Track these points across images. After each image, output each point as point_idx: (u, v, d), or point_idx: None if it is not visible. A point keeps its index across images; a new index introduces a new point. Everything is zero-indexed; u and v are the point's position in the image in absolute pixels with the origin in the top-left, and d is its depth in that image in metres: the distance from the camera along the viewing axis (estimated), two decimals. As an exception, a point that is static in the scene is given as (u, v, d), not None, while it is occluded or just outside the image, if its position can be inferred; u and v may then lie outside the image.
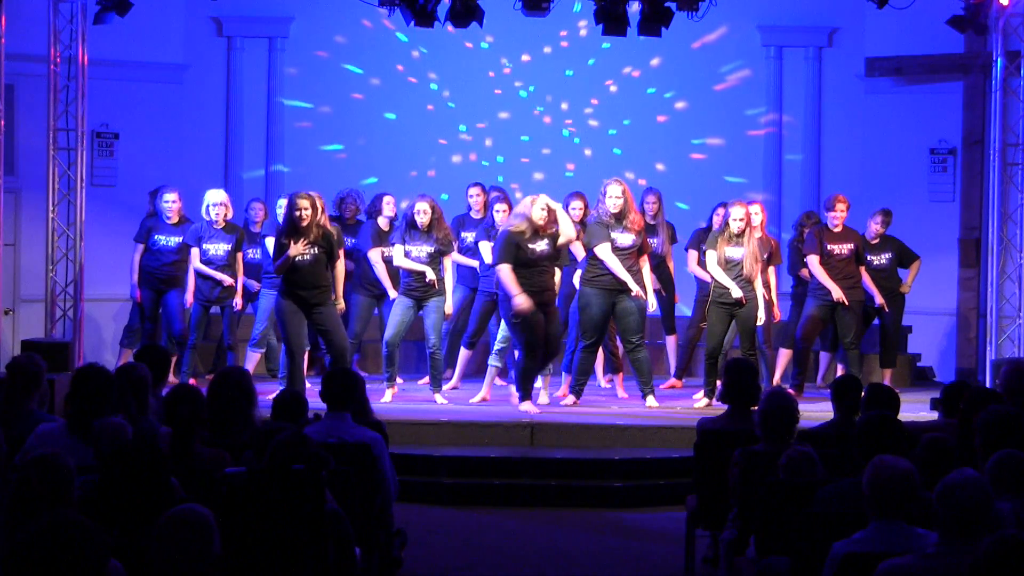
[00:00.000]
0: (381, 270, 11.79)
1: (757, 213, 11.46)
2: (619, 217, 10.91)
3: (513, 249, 10.42)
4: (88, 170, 12.79)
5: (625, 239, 10.92)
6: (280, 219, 11.34)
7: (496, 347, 11.42)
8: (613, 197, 10.88)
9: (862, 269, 11.99)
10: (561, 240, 10.68)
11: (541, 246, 10.50)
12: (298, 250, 10.33)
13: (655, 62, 14.84)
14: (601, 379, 12.31)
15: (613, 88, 15.00)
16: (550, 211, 10.54)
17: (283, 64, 14.88)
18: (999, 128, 12.23)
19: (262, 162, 14.94)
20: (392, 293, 11.69)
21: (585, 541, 8.81)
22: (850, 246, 11.82)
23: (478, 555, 8.44)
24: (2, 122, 11.67)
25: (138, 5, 11.89)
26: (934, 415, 9.46)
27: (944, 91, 14.07)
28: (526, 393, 10.72)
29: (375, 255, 11.82)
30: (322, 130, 14.94)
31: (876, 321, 12.51)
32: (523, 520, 9.32)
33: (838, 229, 11.82)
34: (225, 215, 11.74)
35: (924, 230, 13.80)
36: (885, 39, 14.20)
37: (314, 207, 10.45)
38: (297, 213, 10.36)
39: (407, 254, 11.17)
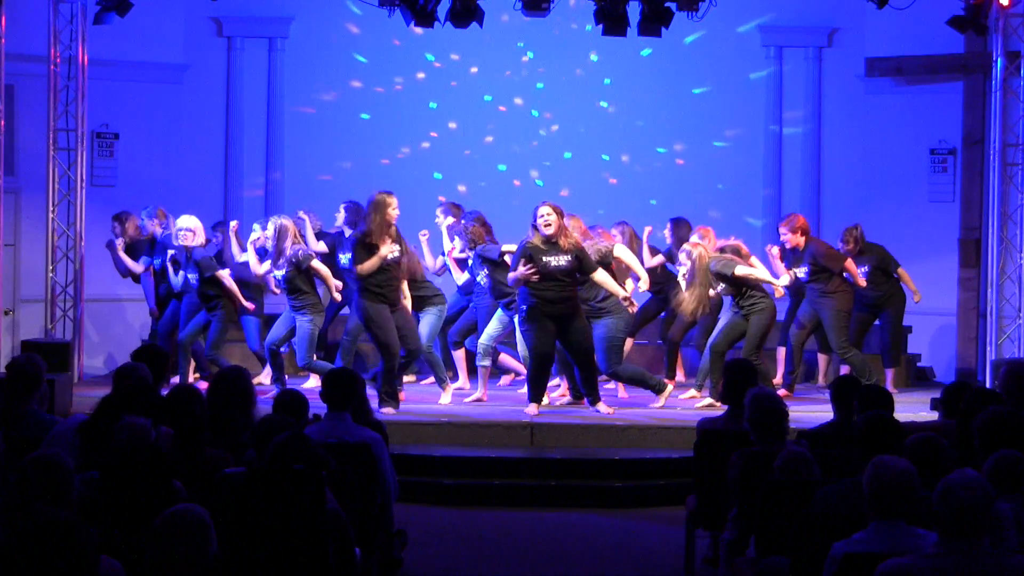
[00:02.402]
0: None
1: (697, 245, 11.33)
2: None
3: (524, 261, 10.35)
4: (88, 170, 12.80)
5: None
6: (272, 235, 11.29)
7: (480, 347, 11.43)
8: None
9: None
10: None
11: (556, 260, 10.35)
12: (391, 248, 10.42)
13: (652, 61, 14.84)
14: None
15: (608, 90, 15.01)
16: (557, 222, 10.36)
17: (283, 64, 14.88)
18: (999, 128, 12.24)
19: (262, 162, 14.93)
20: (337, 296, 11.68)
21: (585, 541, 8.81)
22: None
23: (478, 555, 8.45)
24: (2, 122, 11.67)
25: (138, 5, 11.89)
26: (934, 415, 9.47)
27: (944, 91, 14.07)
28: (533, 396, 10.70)
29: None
30: (323, 131, 14.93)
31: (877, 322, 12.51)
32: (523, 520, 9.32)
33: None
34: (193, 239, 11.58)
35: (924, 230, 13.80)
36: (885, 39, 14.20)
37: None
38: (393, 211, 10.46)
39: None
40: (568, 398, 11.31)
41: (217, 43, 14.84)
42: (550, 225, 10.35)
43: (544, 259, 10.33)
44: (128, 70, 14.21)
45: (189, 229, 11.53)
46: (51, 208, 12.32)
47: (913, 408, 10.58)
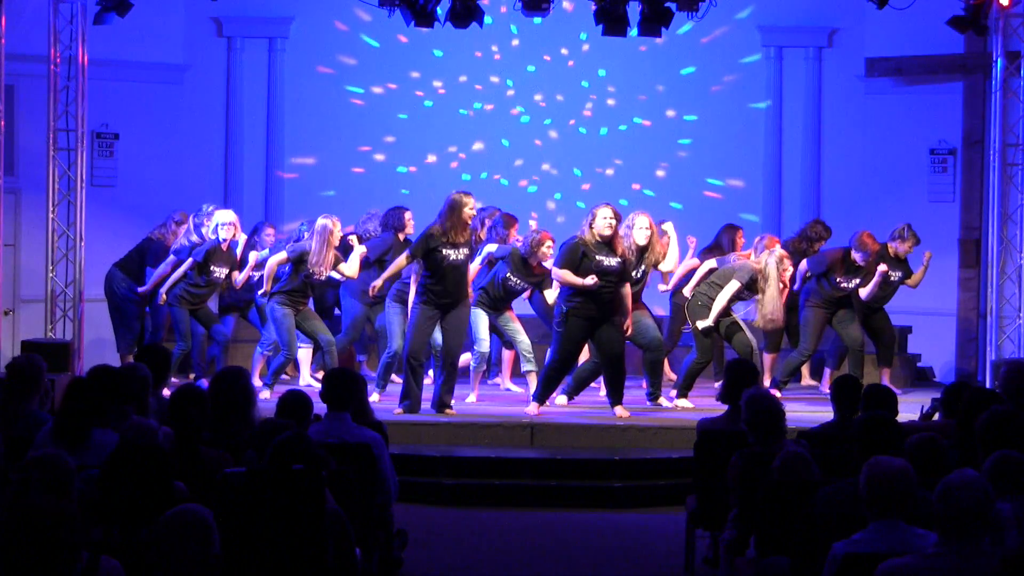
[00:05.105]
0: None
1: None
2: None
3: (576, 258, 10.35)
4: (88, 170, 12.78)
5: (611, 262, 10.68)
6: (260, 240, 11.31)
7: (474, 358, 11.45)
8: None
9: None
10: (663, 266, 11.10)
11: (608, 260, 10.34)
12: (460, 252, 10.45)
13: (652, 62, 14.84)
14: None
15: (611, 88, 15.00)
16: (616, 225, 10.37)
17: (283, 64, 14.87)
18: (999, 128, 12.23)
19: (262, 162, 14.92)
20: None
21: (585, 541, 8.81)
22: (857, 280, 11.80)
23: (478, 555, 8.45)
24: (2, 122, 11.67)
25: (138, 5, 11.88)
26: (935, 416, 9.46)
27: (944, 91, 14.07)
28: (539, 396, 10.69)
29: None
30: (323, 131, 14.93)
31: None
32: (523, 520, 9.32)
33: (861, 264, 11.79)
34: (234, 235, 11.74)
35: (924, 230, 13.75)
36: (885, 39, 14.20)
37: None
38: (469, 211, 10.48)
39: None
40: (562, 398, 11.28)
41: (217, 43, 14.83)
42: (613, 227, 10.35)
43: (597, 257, 10.32)
44: (128, 70, 14.20)
45: (230, 223, 11.75)
46: (51, 208, 12.31)
47: (913, 408, 10.54)
